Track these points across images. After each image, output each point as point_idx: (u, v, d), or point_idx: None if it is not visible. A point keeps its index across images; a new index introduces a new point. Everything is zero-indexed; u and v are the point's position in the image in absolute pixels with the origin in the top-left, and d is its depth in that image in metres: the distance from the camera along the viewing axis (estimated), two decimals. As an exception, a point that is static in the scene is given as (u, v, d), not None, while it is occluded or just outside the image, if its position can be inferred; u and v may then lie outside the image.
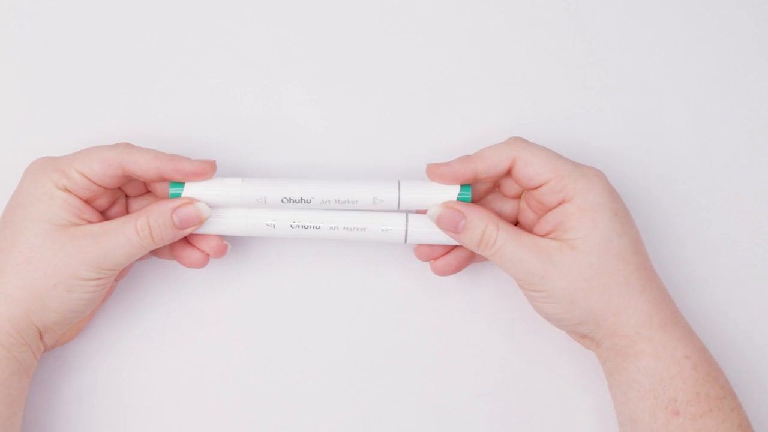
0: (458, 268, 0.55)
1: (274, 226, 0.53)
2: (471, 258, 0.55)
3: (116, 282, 0.56)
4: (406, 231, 0.53)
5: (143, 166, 0.51)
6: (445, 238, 0.53)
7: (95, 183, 0.51)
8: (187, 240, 0.54)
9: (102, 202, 0.53)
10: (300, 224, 0.53)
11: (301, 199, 0.52)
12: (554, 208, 0.51)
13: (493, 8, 0.60)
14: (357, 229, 0.53)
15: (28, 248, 0.49)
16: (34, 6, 0.59)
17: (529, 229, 0.53)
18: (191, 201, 0.52)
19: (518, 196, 0.55)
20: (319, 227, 0.53)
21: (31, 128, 0.58)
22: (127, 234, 0.51)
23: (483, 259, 0.56)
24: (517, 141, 0.52)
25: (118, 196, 0.54)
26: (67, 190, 0.51)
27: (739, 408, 0.50)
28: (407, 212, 0.54)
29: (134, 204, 0.55)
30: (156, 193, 0.54)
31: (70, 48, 0.59)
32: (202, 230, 0.53)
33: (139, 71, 0.59)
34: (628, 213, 0.52)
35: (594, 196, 0.50)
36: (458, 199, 0.52)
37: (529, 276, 0.50)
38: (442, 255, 0.54)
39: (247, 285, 0.58)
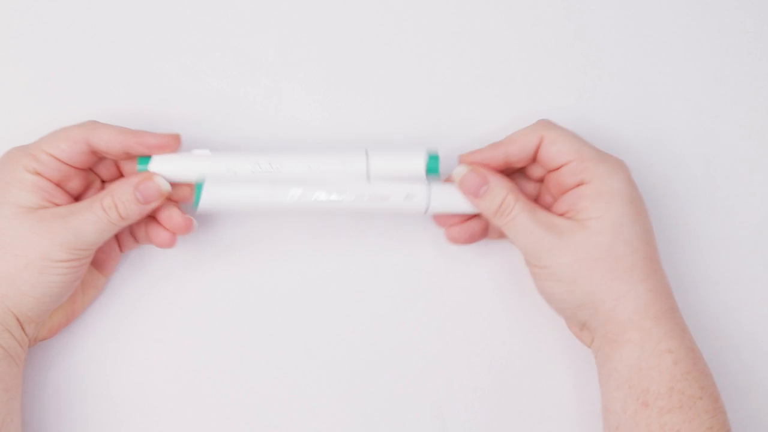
0: (472, 239, 0.55)
1: (298, 199, 0.53)
2: (485, 231, 0.56)
3: (104, 281, 0.57)
4: (429, 199, 0.53)
5: (108, 141, 0.52)
6: (463, 209, 0.54)
7: (64, 162, 0.52)
8: (156, 220, 0.55)
9: (74, 185, 0.53)
10: (321, 199, 0.53)
11: (270, 164, 0.53)
12: (572, 189, 0.52)
13: (493, 8, 0.60)
14: (381, 198, 0.53)
15: None
16: (34, 6, 0.59)
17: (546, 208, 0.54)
18: (150, 176, 0.52)
19: (541, 180, 0.55)
20: (342, 200, 0.53)
21: (31, 129, 0.58)
22: (95, 212, 0.51)
23: (496, 236, 0.56)
24: (545, 122, 0.53)
25: (92, 179, 0.55)
26: (37, 173, 0.51)
27: (717, 413, 0.49)
28: (430, 181, 0.54)
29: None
30: (127, 174, 0.55)
31: (70, 49, 0.59)
32: (232, 206, 0.53)
33: (140, 71, 0.59)
34: (644, 204, 0.52)
35: (612, 182, 0.51)
36: (427, 170, 0.53)
37: (536, 250, 0.51)
38: (459, 222, 0.55)
39: (247, 283, 0.58)
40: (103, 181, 0.55)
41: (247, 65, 0.59)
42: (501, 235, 0.55)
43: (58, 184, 0.52)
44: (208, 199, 0.53)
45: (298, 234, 0.58)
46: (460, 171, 0.53)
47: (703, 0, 0.60)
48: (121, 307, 0.57)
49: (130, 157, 0.53)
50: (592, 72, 0.59)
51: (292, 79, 0.59)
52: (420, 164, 0.53)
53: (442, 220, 0.56)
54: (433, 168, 0.53)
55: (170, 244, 0.54)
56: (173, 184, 0.53)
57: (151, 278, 0.58)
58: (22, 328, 0.52)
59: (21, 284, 0.50)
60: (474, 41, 0.59)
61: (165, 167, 0.53)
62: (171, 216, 0.54)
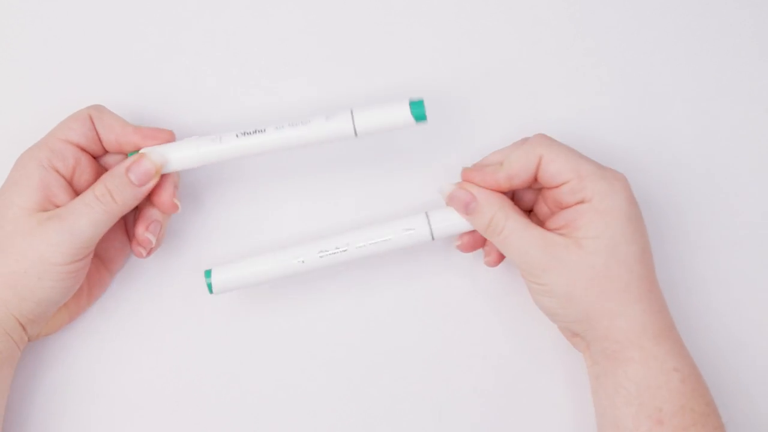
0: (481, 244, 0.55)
1: (303, 262, 0.53)
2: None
3: (110, 279, 0.57)
4: (430, 228, 0.53)
5: (109, 122, 0.52)
6: (466, 226, 0.53)
7: (75, 145, 0.52)
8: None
9: (85, 177, 0.52)
10: (326, 251, 0.53)
11: (255, 130, 0.52)
12: (571, 206, 0.51)
13: (493, 8, 0.60)
14: (383, 241, 0.53)
15: (1, 237, 0.50)
16: (34, 6, 0.59)
17: (542, 222, 0.53)
18: (142, 155, 0.52)
19: (538, 189, 0.55)
20: (346, 250, 0.53)
21: (32, 128, 0.58)
22: (88, 203, 0.50)
23: None
24: (542, 138, 0.52)
25: (93, 170, 0.54)
26: (52, 165, 0.51)
27: (722, 428, 0.50)
28: (426, 212, 0.53)
29: None
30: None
31: (70, 49, 0.59)
32: (243, 284, 0.53)
33: (140, 71, 0.59)
34: (642, 221, 0.52)
35: (612, 200, 0.50)
36: (414, 118, 0.51)
37: (531, 267, 0.51)
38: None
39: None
40: None
41: (247, 65, 0.59)
42: None
43: (69, 180, 0.52)
44: (218, 285, 0.53)
45: (298, 235, 0.58)
46: (447, 189, 0.53)
47: (703, 0, 0.60)
48: (119, 308, 0.57)
49: (122, 150, 0.53)
50: (592, 72, 0.59)
51: (292, 79, 0.59)
52: (406, 114, 0.51)
53: (464, 247, 0.55)
54: (419, 114, 0.51)
55: (139, 255, 0.54)
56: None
57: (149, 279, 0.57)
58: (24, 329, 0.51)
59: (21, 289, 0.50)
60: (474, 41, 0.59)
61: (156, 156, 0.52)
62: (138, 230, 0.53)
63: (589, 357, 0.52)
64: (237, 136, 0.52)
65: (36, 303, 0.50)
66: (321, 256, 0.53)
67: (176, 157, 0.52)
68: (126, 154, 0.53)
